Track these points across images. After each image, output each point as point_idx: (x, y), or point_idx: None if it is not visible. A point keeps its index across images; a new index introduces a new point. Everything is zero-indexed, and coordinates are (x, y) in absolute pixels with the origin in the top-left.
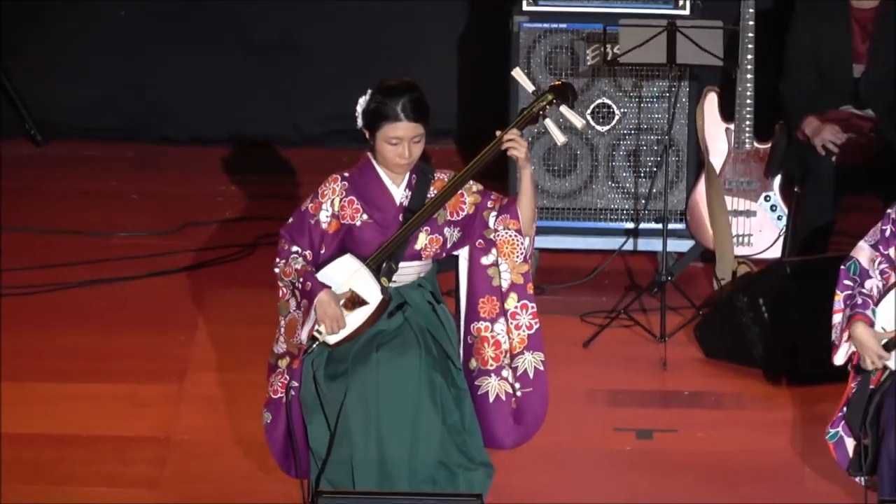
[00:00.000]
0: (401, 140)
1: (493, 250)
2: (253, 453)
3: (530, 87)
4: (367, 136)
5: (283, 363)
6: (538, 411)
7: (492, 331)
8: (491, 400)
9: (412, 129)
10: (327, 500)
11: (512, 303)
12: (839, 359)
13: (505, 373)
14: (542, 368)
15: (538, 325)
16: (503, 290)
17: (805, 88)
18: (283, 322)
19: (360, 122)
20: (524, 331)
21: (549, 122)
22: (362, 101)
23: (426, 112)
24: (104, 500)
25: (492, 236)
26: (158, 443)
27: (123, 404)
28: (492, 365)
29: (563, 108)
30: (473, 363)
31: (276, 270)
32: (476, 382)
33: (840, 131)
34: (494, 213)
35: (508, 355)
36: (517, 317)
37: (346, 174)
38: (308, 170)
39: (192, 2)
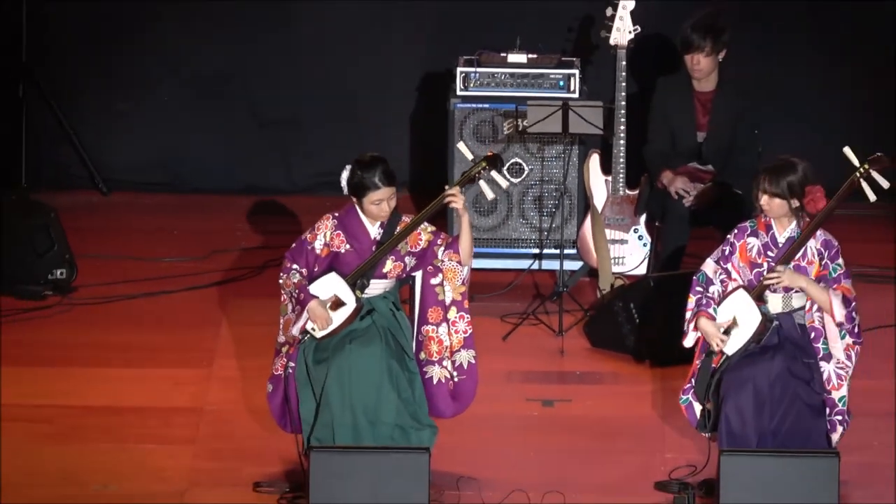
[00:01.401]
0: (381, 201)
1: (440, 274)
2: (262, 419)
3: (470, 156)
4: (355, 200)
5: (283, 350)
6: (470, 391)
7: (436, 332)
8: (434, 382)
9: (389, 192)
10: (317, 453)
11: (453, 314)
12: (688, 342)
13: (445, 363)
14: (474, 362)
15: (472, 329)
16: (446, 304)
17: (661, 150)
18: (282, 320)
19: (346, 190)
20: (461, 334)
21: (482, 183)
22: (345, 175)
23: (395, 177)
24: (154, 453)
25: (439, 264)
26: (193, 412)
27: (167, 383)
28: (436, 357)
29: (494, 173)
30: (423, 355)
31: (280, 281)
32: (424, 369)
33: (689, 181)
34: (443, 248)
35: (449, 351)
36: (456, 324)
37: (336, 214)
38: (302, 212)
39: (218, 89)
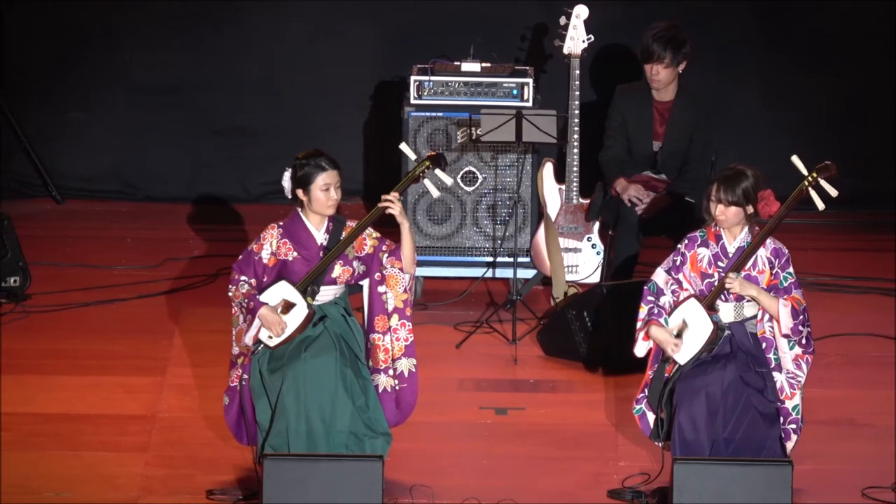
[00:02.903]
0: (329, 185)
1: (385, 282)
2: (215, 427)
3: (413, 156)
4: (301, 194)
5: (238, 361)
6: (411, 401)
7: (383, 341)
8: (380, 391)
9: (335, 175)
10: (270, 461)
11: (395, 321)
12: (639, 351)
13: (391, 372)
14: (414, 371)
15: (412, 337)
16: (389, 311)
17: (618, 157)
18: (234, 332)
19: (289, 188)
20: (402, 342)
21: (427, 182)
22: (287, 175)
23: (338, 165)
24: (107, 461)
25: (384, 272)
26: (146, 419)
27: (120, 391)
28: (382, 365)
29: (438, 171)
30: (370, 363)
31: (230, 294)
32: (372, 377)
33: (642, 190)
34: (387, 254)
35: (392, 359)
36: (397, 332)
37: (281, 223)
38: (253, 220)
39: (171, 99)
